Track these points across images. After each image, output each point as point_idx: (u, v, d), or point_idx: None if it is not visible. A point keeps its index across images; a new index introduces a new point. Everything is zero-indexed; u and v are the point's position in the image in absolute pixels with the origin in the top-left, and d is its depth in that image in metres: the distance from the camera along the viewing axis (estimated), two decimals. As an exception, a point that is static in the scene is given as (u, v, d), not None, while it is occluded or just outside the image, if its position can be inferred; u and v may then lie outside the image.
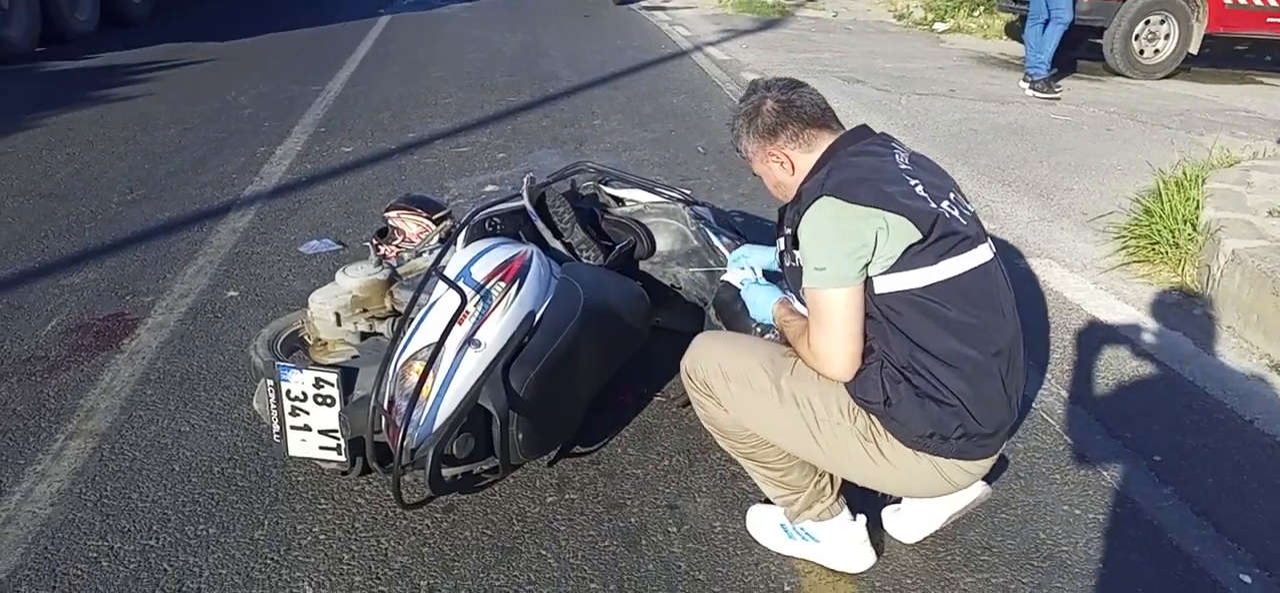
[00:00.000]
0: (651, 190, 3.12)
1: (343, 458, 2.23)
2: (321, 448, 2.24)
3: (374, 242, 3.30)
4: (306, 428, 2.22)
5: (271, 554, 2.15)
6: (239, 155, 5.37)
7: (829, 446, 1.90)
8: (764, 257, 2.40)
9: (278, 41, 9.45)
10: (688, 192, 3.17)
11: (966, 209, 1.88)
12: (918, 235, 1.74)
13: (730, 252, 2.86)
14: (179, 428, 2.64)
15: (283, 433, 2.23)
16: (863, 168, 1.82)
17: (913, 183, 1.80)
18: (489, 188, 4.85)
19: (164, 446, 2.56)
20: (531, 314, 2.26)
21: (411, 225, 3.26)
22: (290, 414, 2.21)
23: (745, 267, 2.42)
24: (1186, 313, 3.55)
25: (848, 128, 2.01)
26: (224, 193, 4.71)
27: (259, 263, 3.83)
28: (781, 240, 1.98)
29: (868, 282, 1.78)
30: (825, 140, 1.96)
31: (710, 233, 2.96)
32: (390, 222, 3.29)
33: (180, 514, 2.27)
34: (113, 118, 6.19)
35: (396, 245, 3.22)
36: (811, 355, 1.85)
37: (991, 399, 1.84)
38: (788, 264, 1.97)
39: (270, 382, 2.21)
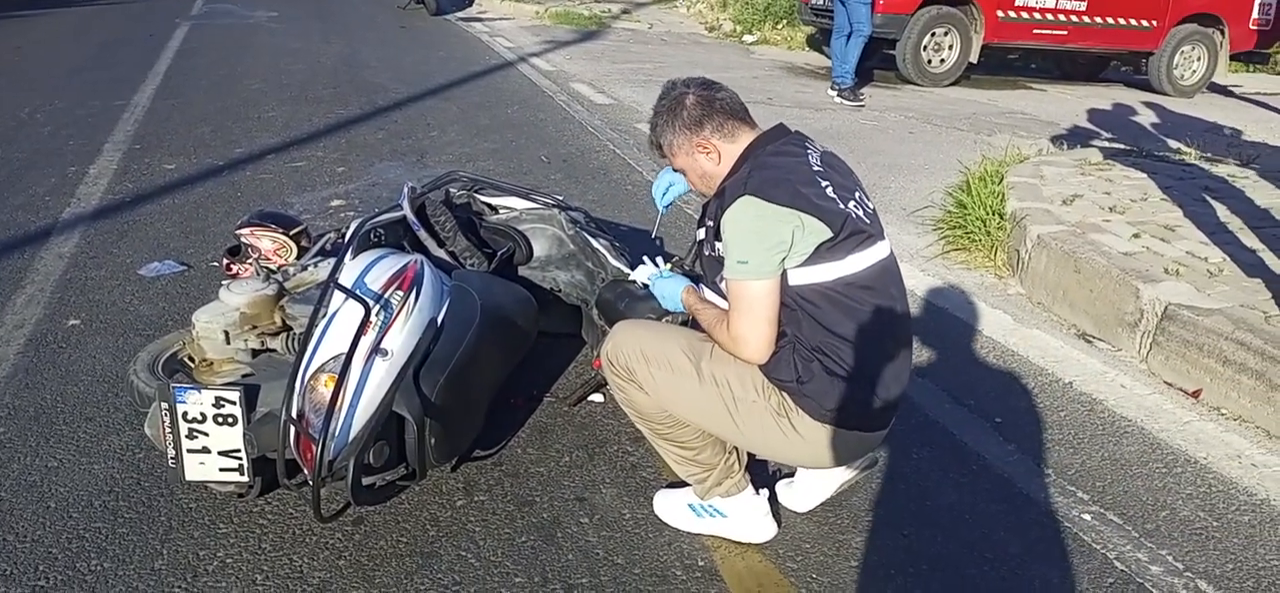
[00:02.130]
0: (526, 197, 3.20)
1: (245, 478, 2.18)
2: (222, 470, 2.17)
3: (225, 261, 3.20)
4: (205, 450, 2.14)
5: (178, 584, 2.07)
6: (49, 176, 4.97)
7: (745, 423, 2.05)
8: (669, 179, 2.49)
9: (68, 54, 8.74)
10: (561, 197, 3.27)
11: (868, 207, 2.08)
12: (829, 234, 1.92)
13: (611, 250, 2.99)
14: (45, 465, 2.47)
15: (179, 457, 2.15)
16: (781, 168, 1.98)
17: (824, 184, 1.97)
18: (335, 203, 4.74)
19: (32, 483, 2.39)
20: (433, 321, 2.29)
21: (266, 242, 3.18)
22: (187, 437, 2.13)
23: (651, 262, 2.54)
24: (1002, 293, 3.99)
25: (763, 126, 2.17)
26: (40, 216, 4.36)
27: (96, 289, 3.59)
28: (702, 231, 2.12)
29: (783, 273, 1.95)
30: (745, 134, 2.11)
31: (587, 236, 3.07)
32: (243, 239, 3.20)
33: (67, 552, 2.14)
34: (-113, 140, 5.58)
35: (251, 263, 3.13)
36: (730, 340, 1.99)
37: (888, 376, 2.05)
38: (707, 254, 2.11)
39: (164, 404, 2.13)
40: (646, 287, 2.46)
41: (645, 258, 2.55)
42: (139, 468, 2.46)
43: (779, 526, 2.32)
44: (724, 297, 2.08)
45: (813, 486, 2.38)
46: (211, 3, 12.75)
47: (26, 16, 10.94)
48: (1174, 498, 2.57)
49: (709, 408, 2.06)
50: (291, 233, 3.22)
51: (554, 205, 3.16)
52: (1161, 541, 2.38)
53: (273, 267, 2.89)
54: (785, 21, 12.43)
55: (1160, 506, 2.53)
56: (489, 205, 3.20)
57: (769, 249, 1.92)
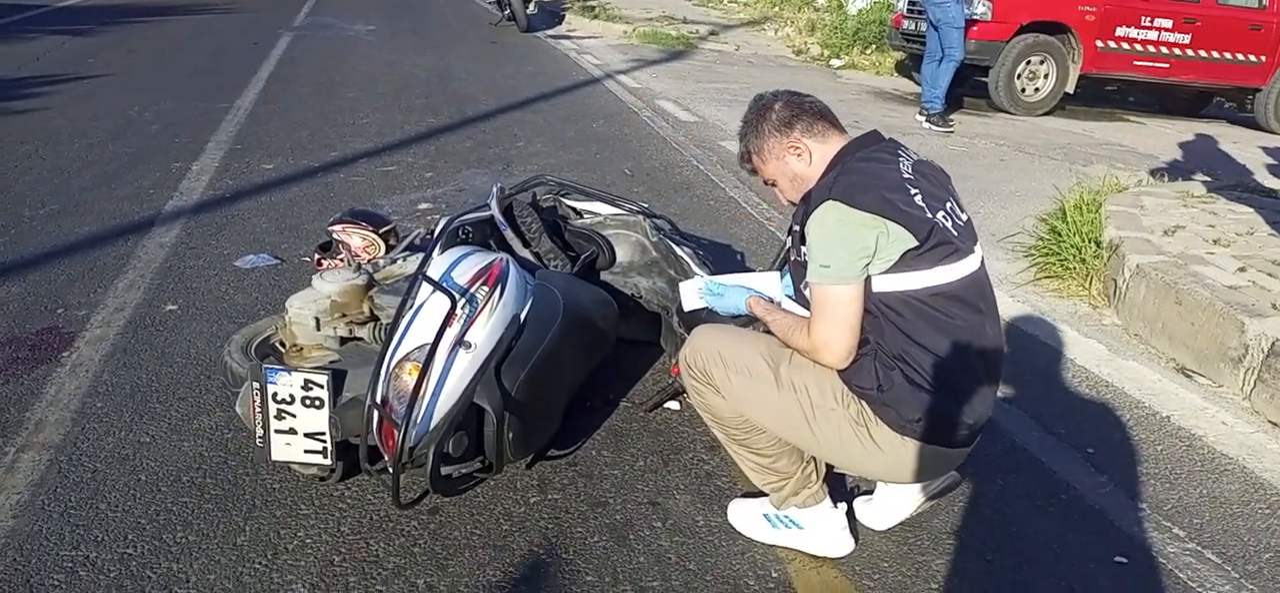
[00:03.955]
0: (611, 203, 3.21)
1: (328, 461, 2.23)
2: (306, 452, 2.22)
3: (317, 256, 3.28)
4: (292, 432, 2.20)
5: (259, 560, 2.12)
6: (154, 171, 5.18)
7: (822, 431, 2.01)
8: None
9: (177, 59, 9.14)
10: (646, 205, 3.27)
11: (961, 218, 2.03)
12: (914, 242, 1.88)
13: (695, 259, 2.97)
14: (138, 439, 2.56)
15: (266, 437, 2.21)
16: (869, 174, 1.95)
17: (913, 192, 1.93)
18: (423, 205, 4.84)
19: (125, 456, 2.48)
20: (516, 317, 2.31)
21: (356, 239, 3.26)
22: (276, 417, 2.19)
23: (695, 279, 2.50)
24: (1097, 323, 3.85)
25: (855, 133, 2.14)
26: (144, 207, 4.55)
27: (194, 277, 3.73)
28: (789, 238, 2.10)
29: (866, 280, 1.91)
30: (836, 138, 2.09)
31: (671, 243, 3.06)
32: (335, 235, 3.28)
33: (155, 523, 2.21)
34: (9, 131, 5.87)
35: (341, 259, 3.21)
36: (810, 345, 1.96)
37: (972, 391, 1.99)
38: (793, 260, 2.09)
39: (256, 384, 2.19)
40: (708, 310, 2.41)
41: (696, 275, 2.49)
42: (226, 448, 2.54)
43: (856, 542, 2.27)
44: (809, 305, 2.05)
45: (892, 503, 2.32)
46: (314, 15, 13.18)
47: (141, 22, 11.46)
48: (1278, 540, 2.43)
49: (786, 415, 2.03)
50: (381, 231, 3.30)
51: (639, 212, 3.17)
52: (1264, 583, 2.25)
53: (362, 262, 2.96)
54: (874, 46, 12.29)
55: (1263, 547, 2.40)
56: (574, 210, 3.23)
57: (852, 254, 1.88)
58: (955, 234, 1.97)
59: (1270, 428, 3.00)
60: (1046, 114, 9.46)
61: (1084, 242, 4.16)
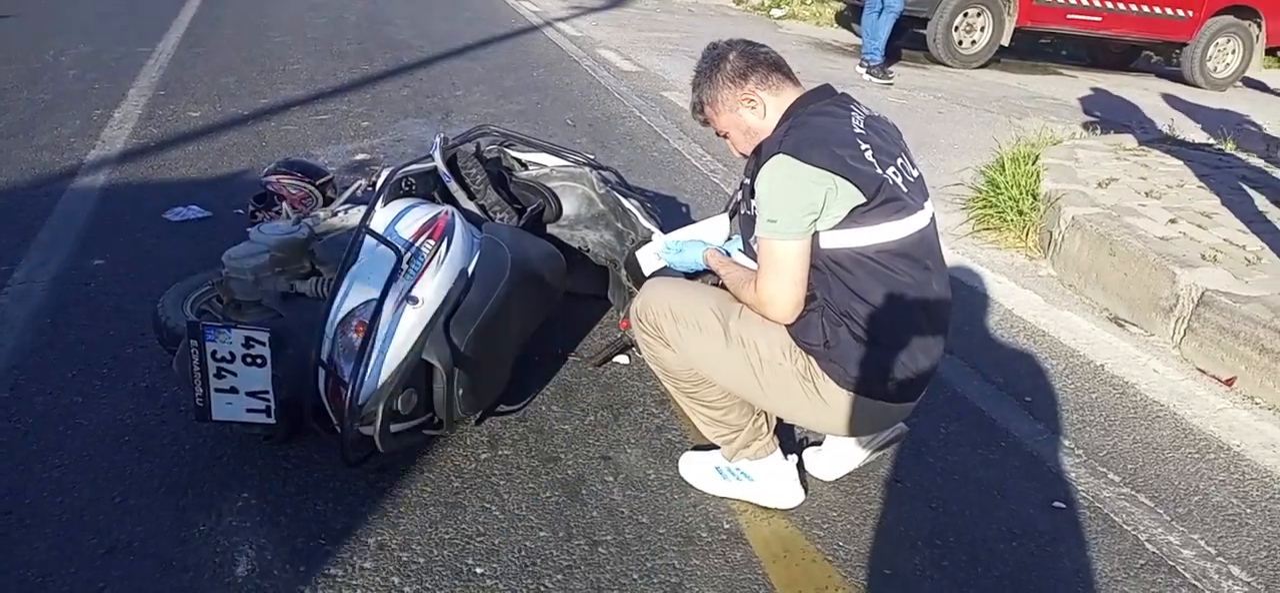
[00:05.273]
0: (557, 154, 3.16)
1: (272, 420, 2.16)
2: (249, 411, 2.15)
3: (252, 208, 3.19)
4: (233, 390, 2.13)
5: (203, 521, 2.06)
6: (73, 118, 4.96)
7: (770, 385, 2.02)
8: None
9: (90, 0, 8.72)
10: (593, 156, 3.23)
11: (911, 174, 2.03)
12: (862, 199, 1.88)
13: (642, 211, 2.95)
14: (72, 399, 2.46)
15: (206, 396, 2.13)
16: (819, 129, 1.93)
17: (864, 148, 1.92)
18: (360, 156, 4.72)
19: (58, 416, 2.38)
20: (464, 271, 2.27)
21: (293, 190, 3.18)
22: (216, 376, 2.11)
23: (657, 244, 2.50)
24: (1033, 274, 3.94)
25: (808, 86, 2.12)
26: (65, 157, 4.35)
27: (122, 230, 3.58)
28: (740, 190, 2.08)
29: (815, 235, 1.91)
30: (789, 91, 2.07)
31: (619, 195, 3.03)
32: (270, 186, 3.19)
33: (93, 485, 2.14)
34: (-88, 76, 5.58)
35: (277, 211, 3.12)
36: (757, 300, 1.96)
37: (917, 348, 2.01)
38: (743, 212, 2.07)
39: (194, 342, 2.11)
40: (668, 268, 2.40)
41: (648, 231, 2.49)
42: (164, 406, 2.46)
43: (806, 492, 2.30)
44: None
45: (840, 454, 2.35)
46: (237, -45, 12.70)
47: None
48: (1206, 484, 2.53)
49: (734, 369, 2.04)
50: (318, 183, 3.21)
51: (585, 164, 3.12)
52: (1194, 525, 2.34)
53: (301, 214, 2.88)
54: (814, -4, 12.31)
55: (1192, 490, 2.49)
56: (519, 161, 3.16)
57: (800, 210, 1.88)
58: (904, 190, 1.97)
59: (1198, 376, 3.11)
60: (982, 67, 9.60)
61: (1021, 194, 4.23)
